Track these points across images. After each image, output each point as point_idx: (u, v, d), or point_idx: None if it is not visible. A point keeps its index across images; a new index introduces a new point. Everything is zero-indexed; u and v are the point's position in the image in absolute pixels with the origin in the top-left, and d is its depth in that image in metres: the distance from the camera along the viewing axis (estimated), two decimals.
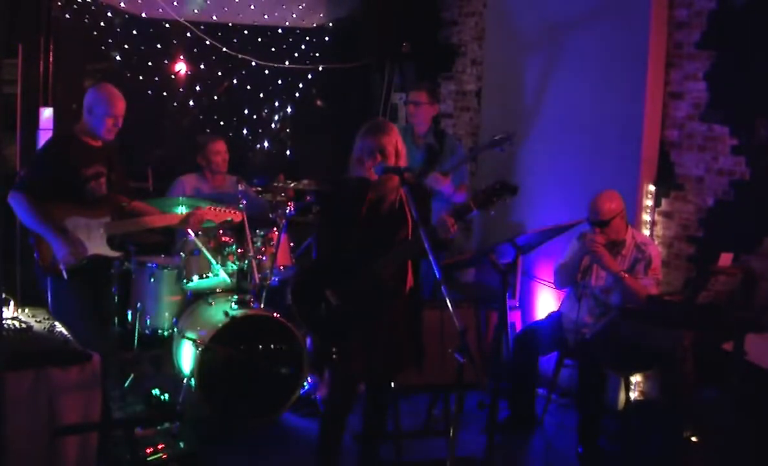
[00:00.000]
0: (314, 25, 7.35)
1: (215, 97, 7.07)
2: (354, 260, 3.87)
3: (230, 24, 6.98)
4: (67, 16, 6.30)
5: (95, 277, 4.56)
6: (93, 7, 6.42)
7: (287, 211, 5.36)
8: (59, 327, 3.78)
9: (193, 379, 4.90)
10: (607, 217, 4.95)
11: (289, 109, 7.42)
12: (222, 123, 7.11)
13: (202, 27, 6.81)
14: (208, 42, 6.83)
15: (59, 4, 6.23)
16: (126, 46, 6.62)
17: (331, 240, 3.95)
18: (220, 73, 7.04)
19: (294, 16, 7.25)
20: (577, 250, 5.12)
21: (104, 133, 4.50)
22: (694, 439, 4.63)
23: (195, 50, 6.87)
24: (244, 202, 5.27)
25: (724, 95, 5.13)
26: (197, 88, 6.98)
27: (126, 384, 5.31)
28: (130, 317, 5.56)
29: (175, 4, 6.70)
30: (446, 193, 5.53)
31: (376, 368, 3.97)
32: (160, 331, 5.51)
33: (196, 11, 6.82)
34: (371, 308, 3.91)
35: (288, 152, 7.47)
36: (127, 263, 5.50)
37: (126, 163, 4.86)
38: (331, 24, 7.40)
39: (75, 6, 6.34)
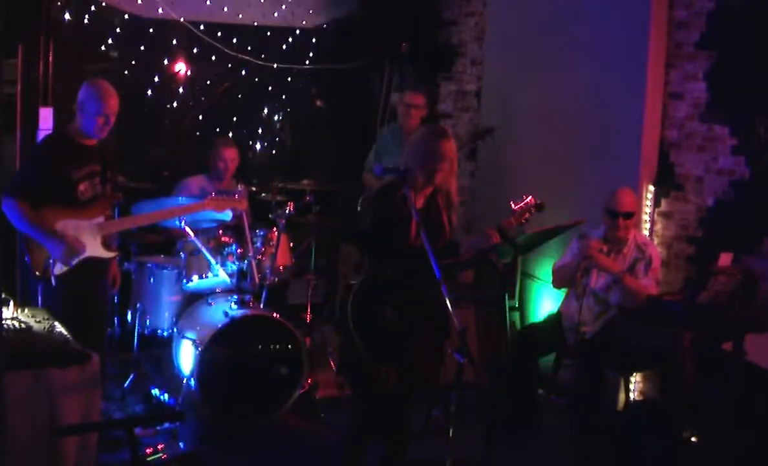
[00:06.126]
0: (314, 25, 7.35)
1: (215, 98, 7.07)
2: (405, 271, 3.81)
3: (230, 24, 6.98)
4: (67, 16, 6.29)
5: (86, 280, 4.37)
6: (93, 7, 6.41)
7: (287, 211, 5.36)
8: (59, 327, 3.77)
9: (193, 379, 4.91)
10: (634, 210, 5.02)
11: (289, 109, 7.41)
12: (222, 123, 7.10)
13: (202, 27, 6.81)
14: (208, 42, 6.83)
15: (59, 4, 6.22)
16: (126, 46, 6.61)
17: (388, 249, 3.89)
18: (220, 73, 7.04)
19: (294, 16, 7.24)
20: (576, 251, 5.12)
21: (95, 132, 4.32)
22: (694, 439, 4.63)
23: (195, 50, 6.86)
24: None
25: (724, 95, 5.13)
26: (197, 88, 6.97)
27: (126, 384, 5.31)
28: (130, 317, 5.56)
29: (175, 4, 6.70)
30: None
31: (417, 381, 3.95)
32: (160, 331, 5.51)
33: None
34: (423, 321, 3.86)
35: (288, 152, 7.47)
36: (127, 263, 5.49)
37: (126, 164, 4.84)
38: (330, 24, 7.40)
39: (75, 6, 6.33)
